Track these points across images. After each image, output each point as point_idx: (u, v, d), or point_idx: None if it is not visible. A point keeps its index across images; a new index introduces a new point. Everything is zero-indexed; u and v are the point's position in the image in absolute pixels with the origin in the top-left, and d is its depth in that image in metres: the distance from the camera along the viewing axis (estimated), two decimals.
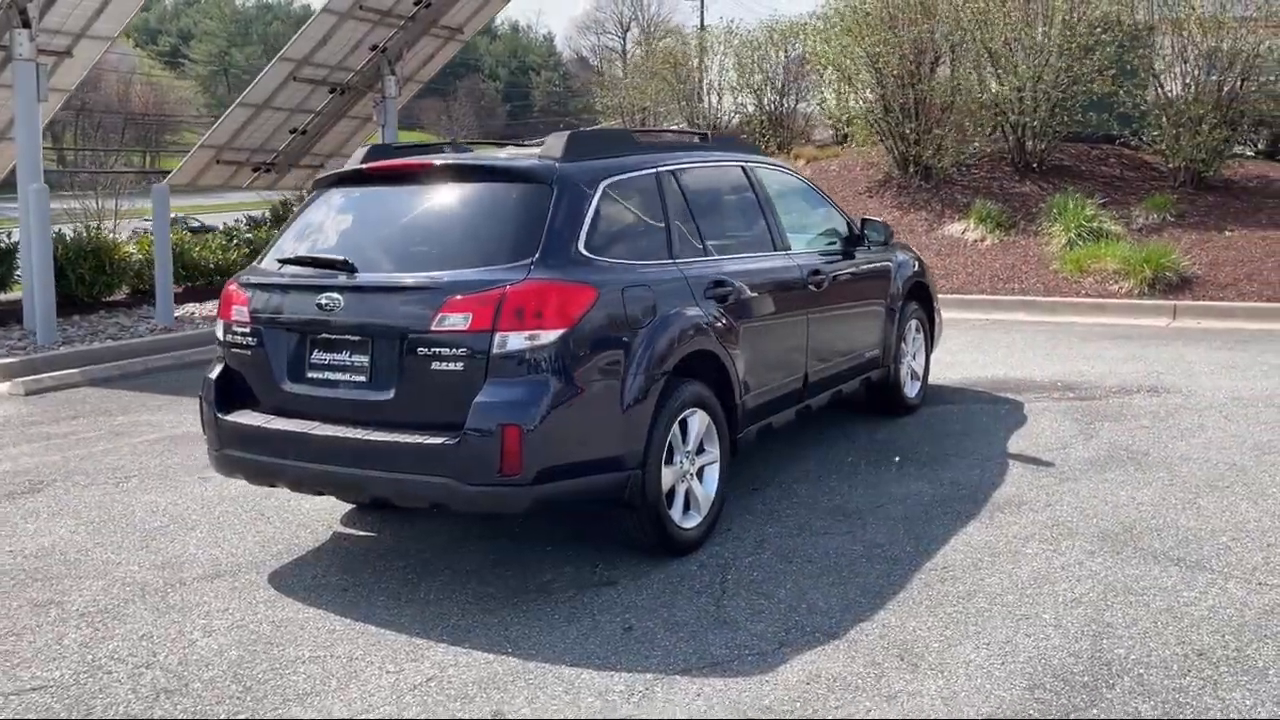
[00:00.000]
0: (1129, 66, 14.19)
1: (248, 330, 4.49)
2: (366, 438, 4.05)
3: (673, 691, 3.49)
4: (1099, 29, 13.92)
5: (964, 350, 9.34)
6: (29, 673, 3.77)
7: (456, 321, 3.97)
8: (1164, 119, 13.61)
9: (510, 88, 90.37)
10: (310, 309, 4.29)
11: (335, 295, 4.22)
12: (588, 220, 4.29)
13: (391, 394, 4.10)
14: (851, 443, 6.42)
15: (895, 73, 14.27)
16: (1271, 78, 13.74)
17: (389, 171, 4.62)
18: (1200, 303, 10.83)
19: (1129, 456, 5.96)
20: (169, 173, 13.97)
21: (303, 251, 4.53)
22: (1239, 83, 13.52)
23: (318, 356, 4.32)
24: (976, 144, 14.66)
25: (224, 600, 4.36)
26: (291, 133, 16.20)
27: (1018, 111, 14.31)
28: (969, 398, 7.53)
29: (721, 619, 4.02)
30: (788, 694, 3.45)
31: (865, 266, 6.37)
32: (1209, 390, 7.50)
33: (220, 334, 4.65)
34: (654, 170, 4.83)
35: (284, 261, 4.56)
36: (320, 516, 5.35)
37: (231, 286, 4.66)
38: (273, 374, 4.40)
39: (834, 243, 6.16)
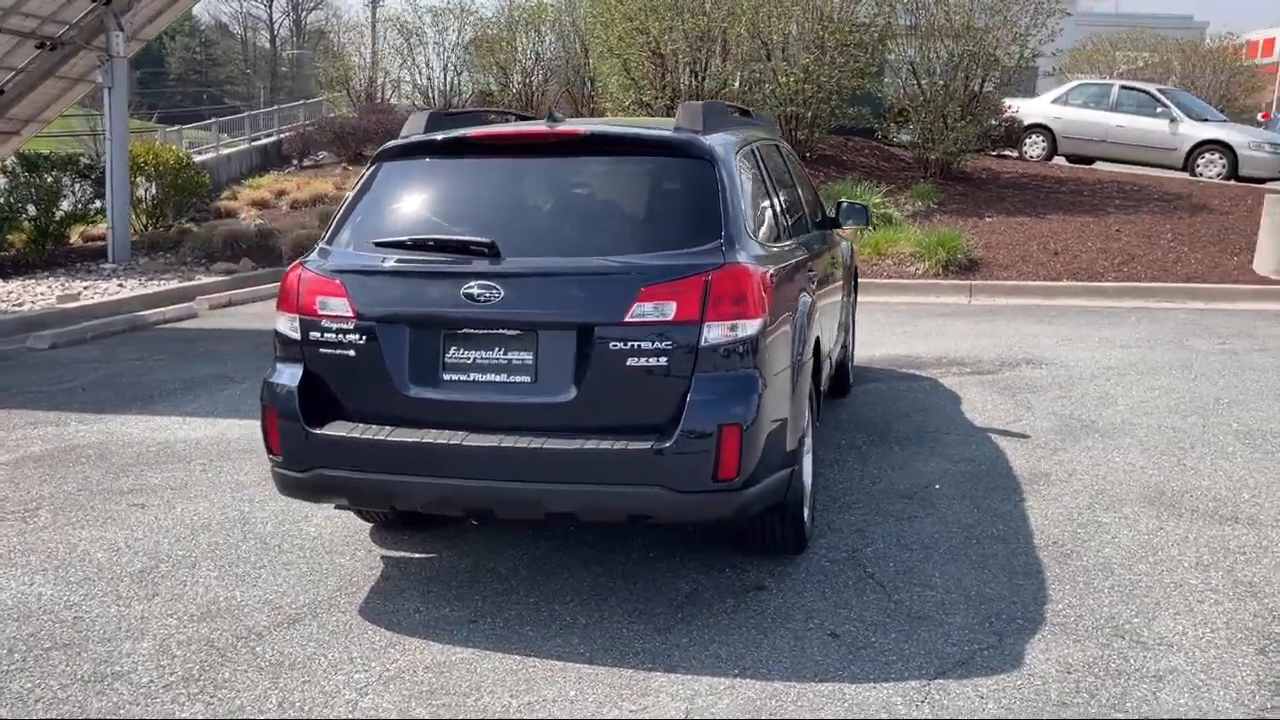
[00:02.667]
0: (890, 64, 15.29)
1: (350, 326, 3.71)
2: (551, 447, 3.48)
3: (949, 695, 3.32)
4: (863, 29, 14.84)
5: None
6: None
7: (656, 312, 3.51)
8: (923, 114, 14.78)
9: (141, 53, 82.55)
10: (451, 299, 3.61)
11: (489, 284, 3.57)
12: (745, 197, 3.95)
13: (571, 395, 3.56)
14: (824, 424, 6.41)
15: (684, 60, 14.45)
16: (1005, 80, 15.32)
17: (501, 141, 3.98)
18: (990, 282, 11.84)
19: (1081, 426, 6.38)
20: None
21: (418, 233, 3.80)
22: (980, 84, 14.96)
23: (456, 355, 3.66)
24: None
25: (334, 650, 3.63)
26: None
27: (792, 103, 14.94)
28: (883, 376, 7.76)
29: (912, 614, 3.87)
30: (1064, 686, 3.37)
31: (843, 248, 6.39)
32: (1076, 362, 8.19)
33: (294, 331, 3.82)
34: (751, 145, 4.53)
35: (388, 245, 3.80)
36: (341, 539, 4.62)
37: (307, 274, 3.83)
38: (388, 377, 3.68)
39: (816, 225, 6.10)
